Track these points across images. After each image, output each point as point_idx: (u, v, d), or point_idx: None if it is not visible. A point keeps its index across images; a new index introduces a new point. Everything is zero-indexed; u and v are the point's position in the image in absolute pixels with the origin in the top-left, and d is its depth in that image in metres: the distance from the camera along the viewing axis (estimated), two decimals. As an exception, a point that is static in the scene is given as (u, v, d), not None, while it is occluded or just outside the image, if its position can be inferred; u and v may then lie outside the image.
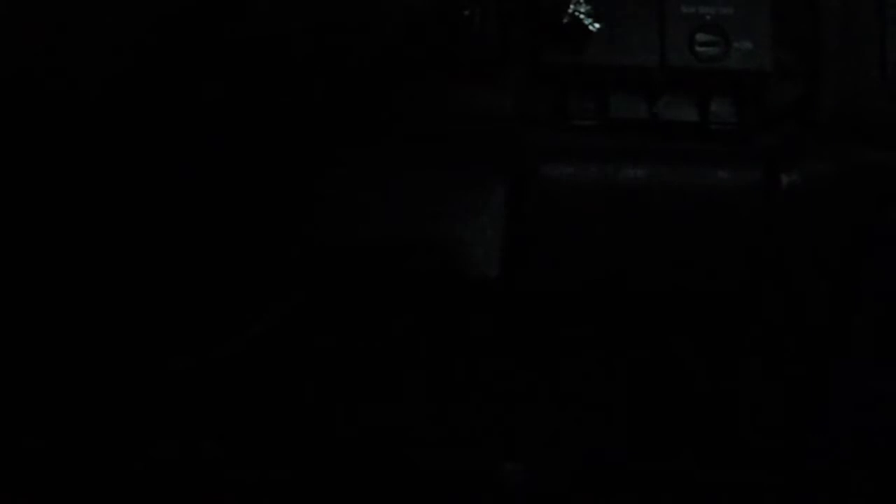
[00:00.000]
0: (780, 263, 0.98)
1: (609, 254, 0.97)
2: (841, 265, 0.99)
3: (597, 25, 0.91)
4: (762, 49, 0.93)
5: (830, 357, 1.04)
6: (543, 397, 1.11)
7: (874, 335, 1.03)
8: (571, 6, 0.91)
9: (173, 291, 1.00)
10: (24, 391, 1.09)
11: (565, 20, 0.91)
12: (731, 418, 1.09)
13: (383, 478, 1.13)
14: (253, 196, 0.93)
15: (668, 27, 0.93)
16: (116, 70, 0.75)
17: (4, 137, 0.77)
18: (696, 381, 1.09)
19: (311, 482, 1.13)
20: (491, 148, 0.95)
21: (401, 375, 1.13)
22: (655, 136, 0.95)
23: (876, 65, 0.95)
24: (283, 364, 1.13)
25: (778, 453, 1.09)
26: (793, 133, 0.96)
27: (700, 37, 0.93)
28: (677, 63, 0.93)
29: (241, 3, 0.79)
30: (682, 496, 1.11)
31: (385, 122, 0.93)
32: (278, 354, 1.12)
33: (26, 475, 1.10)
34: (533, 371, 1.11)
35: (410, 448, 1.13)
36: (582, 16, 0.91)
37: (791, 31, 0.95)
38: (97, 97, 0.74)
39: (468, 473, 1.10)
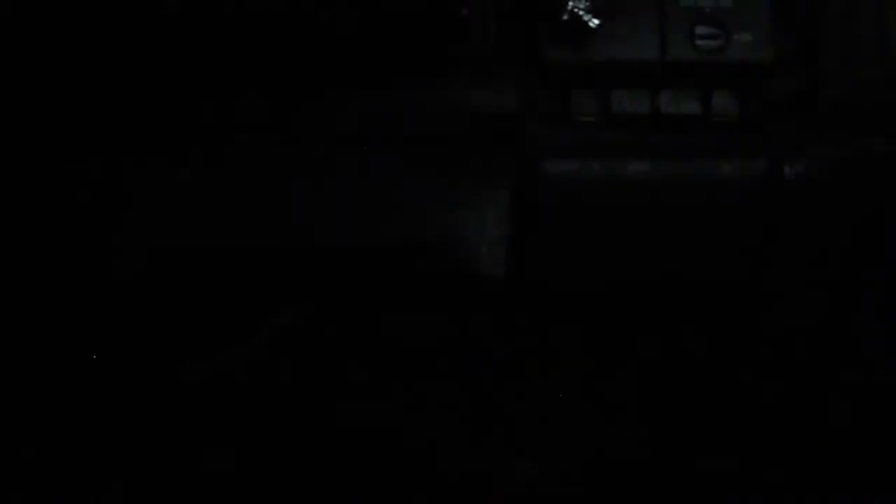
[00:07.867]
0: (784, 253, 0.98)
1: (614, 249, 0.96)
2: (845, 253, 0.99)
3: (596, 21, 0.91)
4: (762, 41, 0.93)
5: (833, 348, 1.04)
6: (551, 395, 1.11)
7: (877, 324, 1.03)
8: (571, 3, 0.91)
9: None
10: (29, 394, 1.09)
11: (565, 17, 0.91)
12: (734, 412, 1.09)
13: (390, 478, 1.13)
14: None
15: (668, 21, 0.93)
16: None
17: None
18: (702, 373, 1.09)
19: (315, 482, 1.13)
20: (494, 146, 0.95)
21: (406, 376, 1.13)
22: (658, 131, 0.95)
23: (876, 54, 0.95)
24: (287, 365, 1.13)
25: (781, 448, 1.09)
26: (795, 124, 0.96)
27: (700, 30, 0.93)
28: (678, 57, 0.93)
29: None
30: (687, 490, 1.12)
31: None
32: (282, 357, 1.12)
33: (28, 478, 1.10)
34: (540, 369, 1.11)
35: (417, 448, 1.13)
36: (581, 12, 0.91)
37: (791, 21, 0.95)
38: None
39: (479, 472, 1.10)
